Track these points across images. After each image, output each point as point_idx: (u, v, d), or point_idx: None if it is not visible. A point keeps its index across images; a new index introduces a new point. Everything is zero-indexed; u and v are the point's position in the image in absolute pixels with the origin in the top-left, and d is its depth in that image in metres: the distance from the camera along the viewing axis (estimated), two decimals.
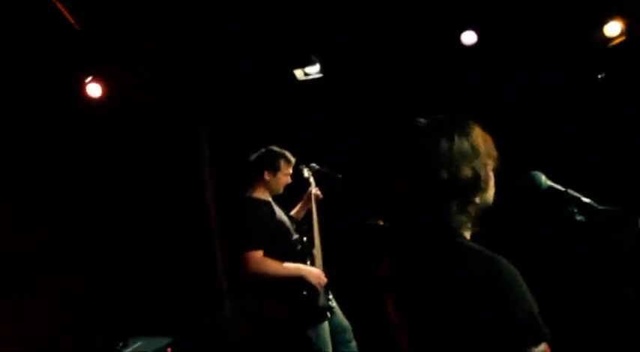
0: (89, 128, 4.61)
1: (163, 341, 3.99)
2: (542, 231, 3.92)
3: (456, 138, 1.36)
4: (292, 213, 3.65)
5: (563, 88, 4.22)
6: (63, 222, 4.41)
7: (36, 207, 4.31)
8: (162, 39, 4.20)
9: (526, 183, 1.78)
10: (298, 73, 4.31)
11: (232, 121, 4.85)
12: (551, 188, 1.78)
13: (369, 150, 4.34)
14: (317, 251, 3.47)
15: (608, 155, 4.10)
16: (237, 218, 3.28)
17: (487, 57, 4.15)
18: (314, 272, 3.26)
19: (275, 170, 3.33)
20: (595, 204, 1.75)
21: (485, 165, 1.39)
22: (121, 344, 3.85)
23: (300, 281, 3.19)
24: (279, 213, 3.38)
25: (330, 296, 3.43)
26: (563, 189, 1.78)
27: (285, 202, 3.53)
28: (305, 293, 3.21)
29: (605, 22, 3.85)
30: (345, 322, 3.52)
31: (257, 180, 3.35)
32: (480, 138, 1.40)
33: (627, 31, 3.82)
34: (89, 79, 4.23)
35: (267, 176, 3.32)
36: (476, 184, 1.36)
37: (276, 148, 3.39)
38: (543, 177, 1.78)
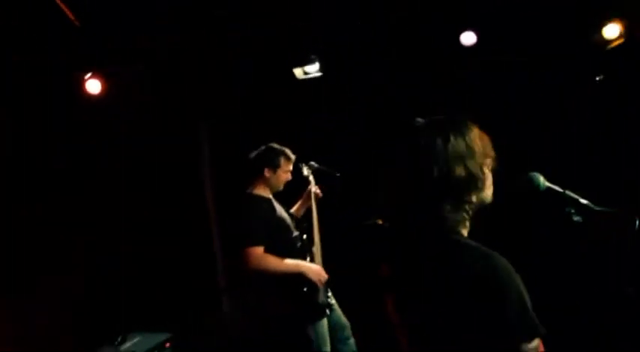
0: (89, 128, 4.61)
1: (162, 336, 4.01)
2: (540, 231, 3.92)
3: (452, 137, 1.38)
4: (292, 210, 3.66)
5: (562, 88, 4.21)
6: (63, 222, 4.41)
7: (36, 207, 4.31)
8: (162, 39, 4.20)
9: (524, 183, 1.79)
10: (298, 72, 4.31)
11: (232, 121, 4.85)
12: (549, 189, 1.78)
13: (367, 150, 4.36)
14: (317, 248, 3.47)
15: (608, 155, 4.10)
16: (237, 214, 3.29)
17: (487, 57, 4.15)
18: (314, 269, 3.27)
19: (275, 167, 3.34)
20: (593, 206, 1.75)
21: (482, 165, 1.41)
22: (119, 339, 3.86)
23: (300, 277, 3.20)
24: (280, 210, 3.40)
25: (330, 294, 3.44)
26: (561, 190, 1.78)
27: (285, 200, 3.54)
28: (305, 289, 3.22)
29: (604, 24, 3.84)
30: (344, 319, 3.53)
31: (257, 177, 3.36)
32: (477, 138, 1.42)
33: (626, 34, 3.82)
34: (89, 75, 4.23)
35: (267, 173, 3.33)
36: (470, 183, 1.38)
37: (276, 145, 3.40)
38: (542, 178, 1.79)
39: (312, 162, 3.69)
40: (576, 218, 1.75)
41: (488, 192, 1.45)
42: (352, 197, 4.01)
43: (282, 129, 3.63)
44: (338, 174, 3.73)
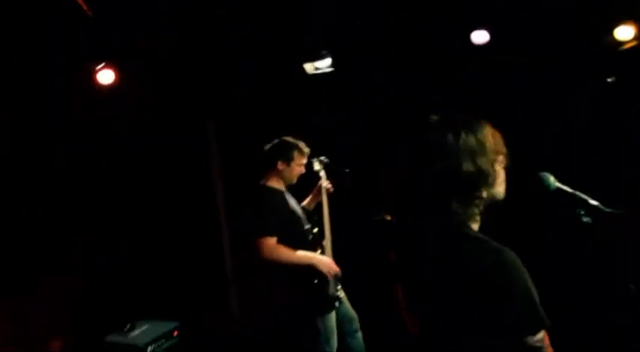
0: (89, 128, 4.61)
1: (170, 325, 4.03)
2: (548, 231, 3.93)
3: (463, 134, 1.41)
4: (303, 204, 3.67)
5: (563, 88, 4.21)
6: (63, 222, 4.41)
7: (36, 207, 4.31)
8: (162, 39, 4.20)
9: (535, 183, 1.79)
10: (308, 67, 4.29)
11: (233, 121, 4.85)
12: (559, 189, 1.79)
13: (368, 148, 4.37)
14: (327, 242, 3.50)
15: (608, 155, 4.10)
16: (250, 205, 3.31)
17: (487, 57, 4.15)
18: (325, 262, 3.28)
19: (288, 160, 3.36)
20: (602, 207, 1.76)
21: (493, 162, 1.43)
22: (128, 327, 3.88)
23: (312, 269, 3.22)
24: (293, 202, 3.42)
25: (339, 287, 3.45)
26: (571, 190, 1.79)
27: (296, 194, 3.55)
28: (316, 281, 3.24)
29: (616, 25, 3.83)
30: (352, 312, 3.55)
31: (271, 169, 3.38)
32: (489, 135, 1.44)
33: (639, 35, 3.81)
34: (100, 66, 4.20)
35: (280, 166, 3.36)
36: (480, 179, 1.40)
37: (290, 139, 3.42)
38: (552, 178, 1.80)
39: (323, 157, 3.70)
40: (586, 219, 1.76)
41: (499, 189, 1.47)
42: (361, 193, 4.02)
43: (283, 128, 3.62)
44: (347, 170, 3.74)
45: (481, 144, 1.41)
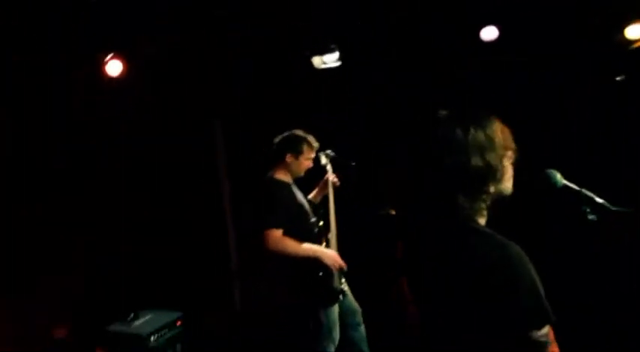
0: (89, 128, 4.61)
1: (174, 315, 4.03)
2: (553, 228, 3.93)
3: (472, 129, 1.41)
4: (309, 197, 3.68)
5: (563, 88, 4.21)
6: (63, 222, 4.41)
7: (36, 207, 4.31)
8: (162, 39, 4.20)
9: (542, 180, 1.80)
10: (316, 61, 4.29)
11: (239, 121, 4.85)
12: (566, 187, 1.80)
13: (369, 148, 4.37)
14: (332, 235, 3.51)
15: (608, 155, 4.10)
16: (257, 197, 3.33)
17: (487, 57, 4.15)
18: (330, 255, 3.29)
19: (297, 153, 3.38)
20: (609, 205, 1.77)
21: (502, 157, 1.44)
22: (131, 316, 3.88)
23: (317, 262, 3.23)
24: (299, 195, 3.44)
25: (343, 280, 3.46)
26: (577, 188, 1.80)
27: (301, 187, 3.56)
28: (320, 274, 3.26)
29: (627, 24, 3.83)
30: (356, 305, 3.56)
31: (279, 162, 3.40)
32: (498, 130, 1.45)
33: None
34: (109, 57, 4.19)
35: (288, 159, 3.37)
36: (488, 174, 1.41)
37: (300, 132, 3.43)
38: (559, 176, 1.81)
39: (329, 151, 3.71)
40: (591, 217, 1.78)
41: (507, 184, 1.47)
42: (365, 188, 4.03)
43: (288, 127, 3.62)
44: (354, 164, 3.74)
45: (490, 139, 1.42)
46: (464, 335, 1.35)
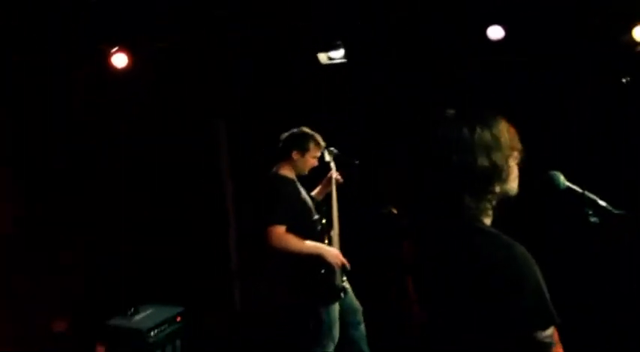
0: (89, 128, 4.61)
1: (174, 310, 4.02)
2: (555, 229, 3.93)
3: (478, 128, 1.41)
4: (312, 194, 3.68)
5: (563, 88, 4.21)
6: (63, 222, 4.41)
7: (36, 207, 4.31)
8: (162, 39, 4.20)
9: (545, 182, 1.80)
10: (322, 57, 4.28)
11: (242, 121, 4.85)
12: (568, 188, 1.80)
13: (369, 148, 4.37)
14: (335, 233, 3.51)
15: (608, 155, 4.10)
16: (261, 193, 3.33)
17: (488, 57, 4.15)
18: (332, 252, 3.29)
19: (304, 151, 3.37)
20: (611, 208, 1.77)
21: (508, 157, 1.44)
22: (132, 310, 3.87)
23: (319, 259, 3.23)
24: (303, 192, 3.43)
25: (345, 278, 3.46)
26: (580, 190, 1.80)
27: (304, 184, 3.55)
28: (322, 271, 3.25)
29: (635, 25, 3.81)
30: (357, 304, 3.56)
31: (284, 158, 3.39)
32: (504, 130, 1.45)
33: None
34: (114, 49, 4.17)
35: (294, 156, 3.36)
36: (494, 174, 1.40)
37: (307, 130, 3.43)
38: (562, 177, 1.81)
39: (333, 148, 3.71)
40: (593, 219, 1.78)
41: (513, 185, 1.47)
42: (367, 186, 4.05)
43: (289, 127, 3.62)
44: (357, 162, 3.75)
45: (496, 139, 1.41)
46: (467, 336, 1.35)
